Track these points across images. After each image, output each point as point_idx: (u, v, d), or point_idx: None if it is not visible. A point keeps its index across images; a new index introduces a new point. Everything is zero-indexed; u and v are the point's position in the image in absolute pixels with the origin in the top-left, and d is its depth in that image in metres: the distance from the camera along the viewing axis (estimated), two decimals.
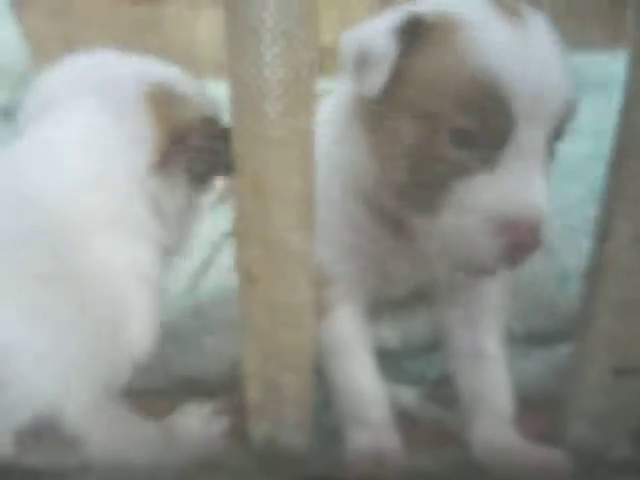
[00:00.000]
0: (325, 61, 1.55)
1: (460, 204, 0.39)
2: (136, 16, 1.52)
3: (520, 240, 0.38)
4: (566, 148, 0.45)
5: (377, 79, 0.41)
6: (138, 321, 0.44)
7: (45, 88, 0.47)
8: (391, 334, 0.58)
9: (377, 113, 0.43)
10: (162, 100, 0.45)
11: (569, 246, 0.59)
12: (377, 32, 0.41)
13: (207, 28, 1.52)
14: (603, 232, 0.43)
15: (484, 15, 0.41)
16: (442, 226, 0.41)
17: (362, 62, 0.42)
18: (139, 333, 0.44)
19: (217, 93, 1.58)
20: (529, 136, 0.38)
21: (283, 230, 0.41)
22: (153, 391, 0.52)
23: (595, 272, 0.44)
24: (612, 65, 1.41)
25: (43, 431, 0.39)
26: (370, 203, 0.47)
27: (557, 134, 0.41)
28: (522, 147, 0.38)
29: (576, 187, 0.67)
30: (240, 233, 0.42)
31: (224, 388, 0.53)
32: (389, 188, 0.44)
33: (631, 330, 0.43)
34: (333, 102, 0.51)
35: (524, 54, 0.39)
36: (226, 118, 0.42)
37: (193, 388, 0.56)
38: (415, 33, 0.41)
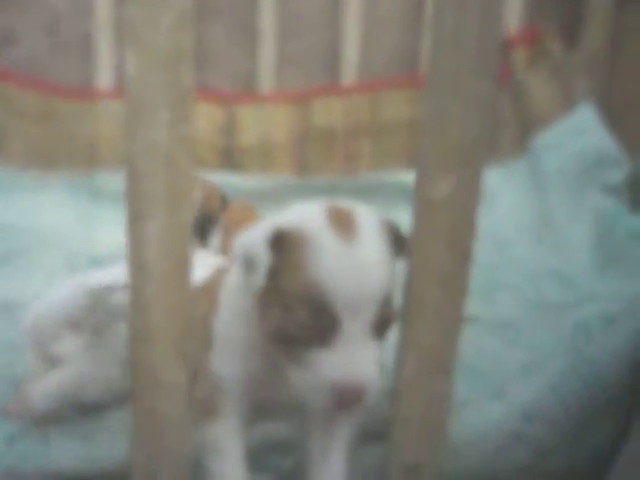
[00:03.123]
0: (241, 159, 1.76)
1: (305, 366, 0.55)
2: (69, 109, 1.66)
3: (344, 400, 0.54)
4: None
5: (258, 279, 0.56)
6: None
7: None
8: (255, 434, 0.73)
9: (258, 297, 0.58)
10: None
11: None
12: (256, 241, 0.56)
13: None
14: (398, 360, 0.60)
15: (323, 231, 0.55)
16: (294, 377, 0.57)
17: (248, 263, 0.57)
18: None
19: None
20: (351, 328, 0.54)
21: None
22: None
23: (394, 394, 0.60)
24: (489, 177, 1.65)
25: None
26: (259, 340, 0.62)
27: (382, 321, 0.56)
28: (347, 334, 0.54)
29: None
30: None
31: None
32: (268, 339, 0.59)
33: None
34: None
35: (349, 266, 0.54)
36: None
37: None
38: (279, 243, 0.56)
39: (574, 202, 1.33)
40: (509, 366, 0.78)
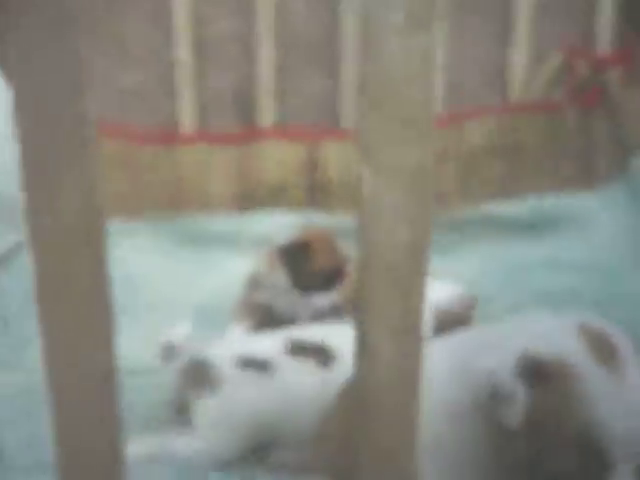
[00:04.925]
0: (325, 197, 1.67)
1: None
2: (153, 155, 1.63)
3: None
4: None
5: (512, 416, 0.48)
6: None
7: None
8: None
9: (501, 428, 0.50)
10: None
11: None
12: (504, 368, 0.50)
13: (219, 167, 1.64)
14: None
15: (588, 362, 0.49)
16: None
17: (493, 392, 0.50)
18: None
19: (226, 226, 1.66)
20: (623, 471, 0.48)
21: None
22: None
23: None
24: (586, 203, 1.59)
25: None
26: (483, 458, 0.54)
27: None
28: (618, 478, 0.47)
29: None
30: None
31: None
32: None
33: None
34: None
35: (620, 404, 0.48)
36: None
37: None
38: (533, 374, 0.50)
39: None
40: None
